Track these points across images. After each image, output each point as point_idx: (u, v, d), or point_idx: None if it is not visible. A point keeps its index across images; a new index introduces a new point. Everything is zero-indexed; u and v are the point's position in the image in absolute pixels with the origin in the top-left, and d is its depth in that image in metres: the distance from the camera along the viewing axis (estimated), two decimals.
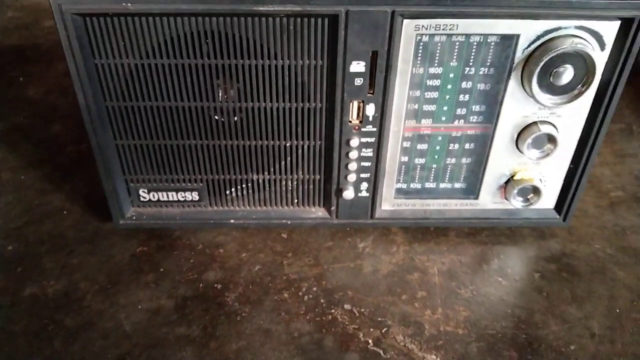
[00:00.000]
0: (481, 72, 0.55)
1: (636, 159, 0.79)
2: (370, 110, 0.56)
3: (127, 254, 0.63)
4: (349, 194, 0.61)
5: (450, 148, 0.61)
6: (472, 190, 0.64)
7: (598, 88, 0.56)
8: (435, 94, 0.57)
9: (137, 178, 0.62)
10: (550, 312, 0.57)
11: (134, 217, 0.64)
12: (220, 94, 0.56)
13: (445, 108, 0.58)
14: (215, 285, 0.59)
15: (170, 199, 0.63)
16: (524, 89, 0.55)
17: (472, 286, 0.59)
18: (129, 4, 0.50)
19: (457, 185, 0.64)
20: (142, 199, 0.63)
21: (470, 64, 0.55)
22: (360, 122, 0.57)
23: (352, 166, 0.60)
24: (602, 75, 0.55)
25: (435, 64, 0.55)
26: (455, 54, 0.54)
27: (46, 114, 0.87)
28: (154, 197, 0.63)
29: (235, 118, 0.57)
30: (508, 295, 0.58)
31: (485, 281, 0.60)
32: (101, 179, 0.60)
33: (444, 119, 0.59)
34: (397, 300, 0.58)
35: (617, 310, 0.57)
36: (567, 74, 0.53)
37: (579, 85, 0.54)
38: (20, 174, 0.74)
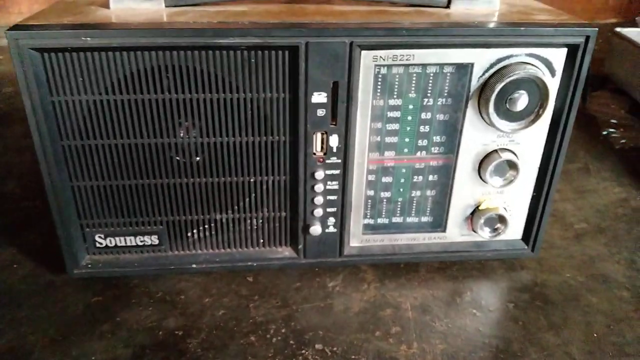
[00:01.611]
0: (439, 103, 0.56)
1: (595, 194, 0.81)
2: (334, 141, 0.56)
3: (80, 304, 0.58)
4: (316, 229, 0.60)
5: (415, 180, 0.61)
6: (439, 223, 0.63)
7: (553, 113, 0.57)
8: (396, 126, 0.58)
9: (93, 222, 0.59)
10: (528, 340, 0.55)
11: (89, 266, 0.60)
12: (182, 133, 0.55)
13: (406, 139, 0.58)
14: (176, 332, 0.55)
15: (128, 243, 0.60)
16: (482, 117, 0.57)
17: (446, 319, 0.57)
18: (88, 38, 0.49)
19: (424, 218, 0.63)
20: (98, 245, 0.60)
21: (429, 94, 0.56)
22: (325, 153, 0.57)
23: (318, 200, 0.59)
24: (555, 101, 0.57)
25: (395, 96, 0.56)
26: (413, 84, 0.55)
27: (1, 172, 0.84)
28: (110, 242, 0.60)
29: (198, 158, 0.56)
30: (484, 326, 0.56)
31: (460, 314, 0.58)
32: (55, 224, 0.57)
33: (406, 150, 0.59)
34: (370, 337, 0.55)
35: (595, 335, 0.55)
36: (522, 100, 0.55)
37: (535, 110, 0.56)
38: None
